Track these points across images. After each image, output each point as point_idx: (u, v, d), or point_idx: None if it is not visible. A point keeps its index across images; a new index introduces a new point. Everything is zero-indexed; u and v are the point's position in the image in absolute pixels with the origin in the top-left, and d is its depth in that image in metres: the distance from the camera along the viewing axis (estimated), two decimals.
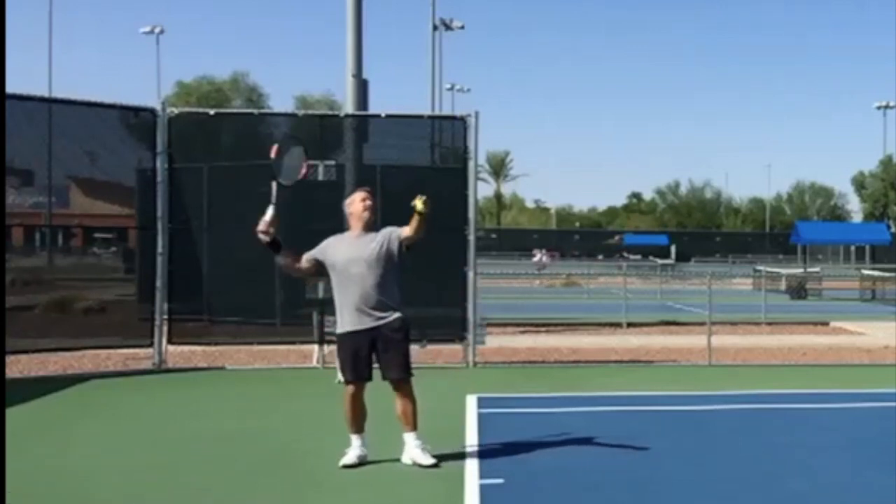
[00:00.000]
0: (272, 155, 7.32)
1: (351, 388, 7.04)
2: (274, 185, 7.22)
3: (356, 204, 7.12)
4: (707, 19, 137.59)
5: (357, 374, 7.01)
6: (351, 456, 7.03)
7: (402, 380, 7.02)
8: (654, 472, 6.95)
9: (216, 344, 13.22)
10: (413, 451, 7.00)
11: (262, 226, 7.02)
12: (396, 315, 6.98)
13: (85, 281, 15.84)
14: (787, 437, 8.35)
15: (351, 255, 6.96)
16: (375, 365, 7.08)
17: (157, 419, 9.14)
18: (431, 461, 6.95)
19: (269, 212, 7.08)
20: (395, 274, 7.02)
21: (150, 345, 12.27)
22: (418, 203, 6.74)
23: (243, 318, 13.11)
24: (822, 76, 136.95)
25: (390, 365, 6.98)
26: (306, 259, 7.17)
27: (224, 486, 6.59)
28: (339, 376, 7.37)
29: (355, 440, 7.09)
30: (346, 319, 7.01)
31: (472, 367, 12.47)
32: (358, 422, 7.09)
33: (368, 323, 6.94)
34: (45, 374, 11.69)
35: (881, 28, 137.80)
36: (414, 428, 7.03)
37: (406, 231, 6.96)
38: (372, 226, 7.07)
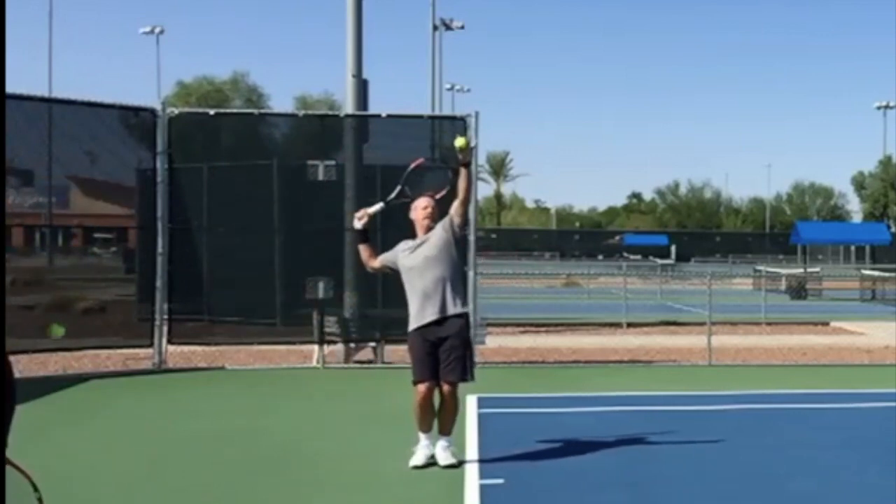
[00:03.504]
0: (414, 165, 7.26)
1: (421, 387, 6.96)
2: (398, 190, 7.17)
3: (418, 211, 7.11)
4: (707, 19, 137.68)
5: (425, 373, 6.97)
6: (419, 456, 6.97)
7: (450, 384, 6.98)
8: (654, 472, 6.94)
9: (216, 344, 13.22)
10: (437, 451, 6.99)
11: (361, 212, 7.06)
12: (459, 316, 6.99)
13: (85, 281, 15.84)
14: (787, 437, 8.34)
15: (418, 255, 7.02)
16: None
17: (156, 419, 9.14)
18: (450, 462, 6.94)
19: (377, 206, 7.12)
20: (456, 270, 7.09)
21: (150, 345, 12.26)
22: (460, 141, 6.72)
23: (243, 318, 13.11)
24: (822, 76, 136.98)
25: (445, 368, 6.96)
26: (381, 260, 7.21)
27: (224, 486, 6.59)
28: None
29: (423, 439, 7.02)
30: (414, 318, 7.03)
31: None
32: (426, 422, 7.01)
33: (429, 318, 6.92)
34: (45, 374, 11.68)
35: (881, 28, 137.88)
36: (446, 433, 7.02)
37: (455, 201, 7.00)
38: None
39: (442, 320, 6.94)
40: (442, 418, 7.03)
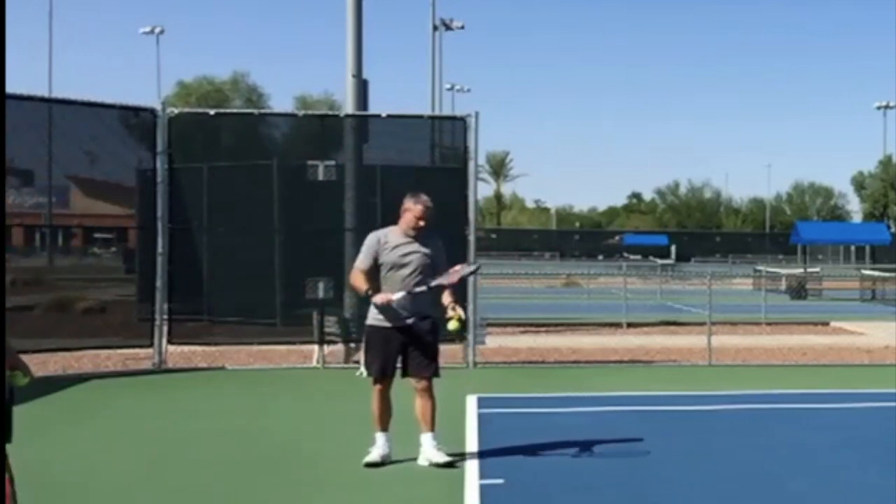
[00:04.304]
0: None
1: (379, 385, 7.06)
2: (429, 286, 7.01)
3: (410, 217, 7.05)
4: (707, 19, 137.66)
5: (385, 370, 7.04)
6: (375, 454, 7.03)
7: (428, 379, 7.05)
8: (653, 472, 6.95)
9: (216, 344, 13.22)
10: (429, 450, 7.02)
11: (381, 299, 6.92)
12: (428, 316, 7.07)
13: (85, 281, 15.84)
14: (787, 437, 8.35)
15: (401, 257, 7.02)
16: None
17: (156, 419, 9.14)
18: (447, 459, 6.97)
19: (399, 295, 6.92)
20: (431, 279, 7.11)
21: (150, 345, 12.26)
22: (452, 325, 6.93)
23: (243, 318, 13.12)
24: (822, 76, 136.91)
25: (420, 364, 7.03)
26: (370, 270, 7.08)
27: (224, 486, 6.60)
28: (363, 370, 7.29)
29: (380, 438, 7.08)
30: (381, 314, 7.03)
31: (472, 368, 12.47)
32: (384, 419, 7.08)
33: (403, 322, 6.99)
34: (45, 374, 11.66)
35: (881, 28, 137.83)
36: (432, 429, 7.06)
37: (445, 287, 7.04)
38: (417, 234, 7.10)
39: (416, 323, 7.03)
40: (424, 415, 7.06)
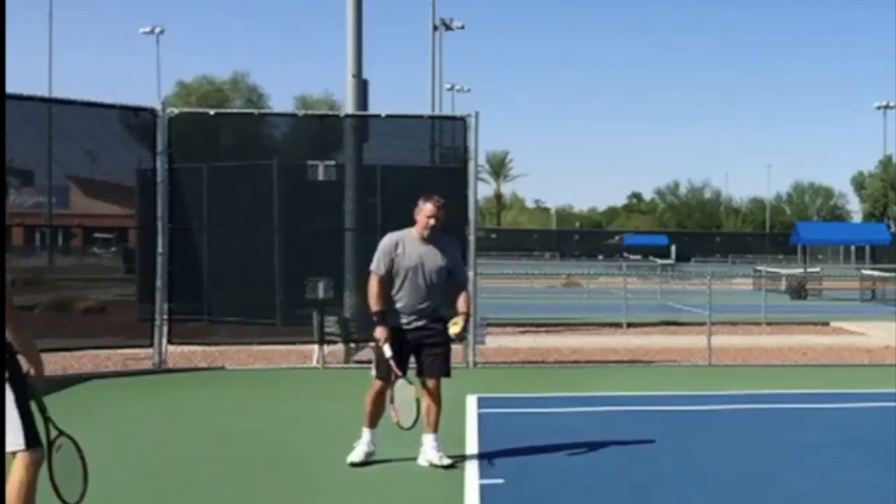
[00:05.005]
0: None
1: (381, 383, 7.03)
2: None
3: (422, 217, 7.03)
4: (707, 19, 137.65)
5: (391, 370, 7.01)
6: (359, 452, 7.03)
7: (437, 379, 7.06)
8: (654, 472, 6.95)
9: (216, 344, 13.23)
10: (430, 451, 7.01)
11: (381, 336, 6.95)
12: (442, 317, 7.09)
13: (85, 281, 15.85)
14: (787, 436, 8.35)
15: (417, 261, 7.01)
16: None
17: (156, 419, 9.14)
18: (448, 461, 6.97)
19: (388, 353, 6.93)
20: (446, 282, 7.13)
21: (150, 345, 12.26)
22: (453, 329, 6.99)
23: (243, 318, 13.12)
24: (822, 76, 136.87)
25: (432, 364, 7.04)
26: (383, 278, 7.05)
27: (223, 487, 6.60)
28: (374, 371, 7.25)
29: (367, 434, 7.09)
30: (395, 316, 7.03)
31: (472, 368, 12.46)
32: (375, 417, 7.09)
33: (415, 324, 7.02)
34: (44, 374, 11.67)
35: (881, 28, 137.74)
36: (435, 430, 7.06)
37: (461, 295, 7.13)
38: (432, 236, 7.09)
39: (429, 324, 7.05)
40: (430, 415, 7.04)
